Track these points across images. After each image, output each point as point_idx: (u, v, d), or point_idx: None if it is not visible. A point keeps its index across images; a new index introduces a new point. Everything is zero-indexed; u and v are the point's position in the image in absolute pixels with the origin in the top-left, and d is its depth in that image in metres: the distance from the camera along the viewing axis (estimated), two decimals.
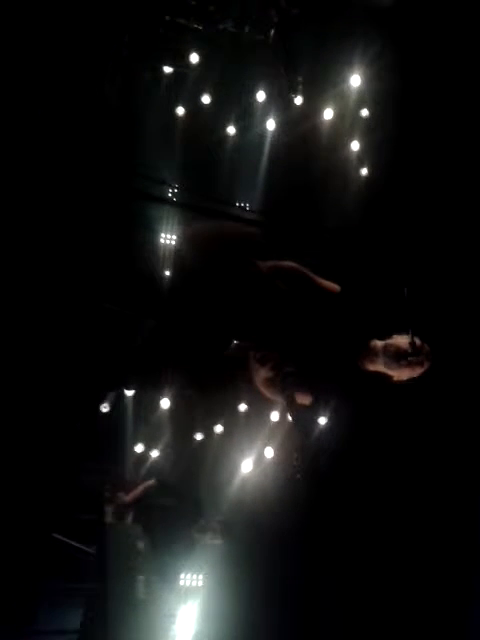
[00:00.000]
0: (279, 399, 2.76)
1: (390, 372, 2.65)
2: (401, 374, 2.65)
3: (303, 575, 4.97)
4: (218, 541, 4.56)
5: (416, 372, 2.63)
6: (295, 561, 4.93)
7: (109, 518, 4.14)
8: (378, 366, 2.67)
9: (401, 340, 2.64)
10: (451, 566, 5.00)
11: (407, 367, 2.62)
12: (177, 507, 4.31)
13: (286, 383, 2.62)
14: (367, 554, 4.94)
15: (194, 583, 4.50)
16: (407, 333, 2.63)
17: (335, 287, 2.73)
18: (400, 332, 2.67)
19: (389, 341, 2.66)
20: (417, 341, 2.59)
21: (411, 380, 2.66)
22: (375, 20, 5.07)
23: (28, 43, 4.25)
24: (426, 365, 2.63)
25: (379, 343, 2.67)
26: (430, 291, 4.70)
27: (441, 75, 5.11)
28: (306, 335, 2.66)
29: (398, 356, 2.60)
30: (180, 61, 5.04)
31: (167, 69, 5.05)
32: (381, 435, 4.88)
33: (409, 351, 2.58)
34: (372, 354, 2.67)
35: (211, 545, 4.55)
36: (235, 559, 4.66)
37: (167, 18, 4.86)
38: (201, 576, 4.52)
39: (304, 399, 2.70)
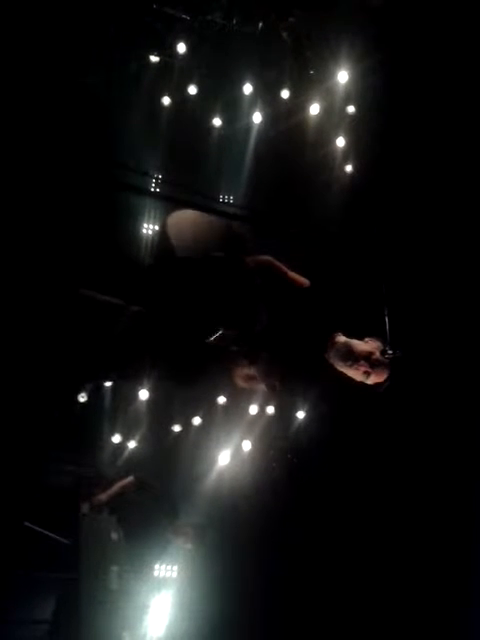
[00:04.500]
0: (257, 389, 2.79)
1: (342, 370, 2.66)
2: (354, 375, 2.65)
3: (279, 567, 5.00)
4: (190, 546, 4.58)
5: (367, 378, 2.63)
6: (271, 553, 4.96)
7: (84, 510, 4.13)
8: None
9: (362, 345, 2.65)
10: (434, 554, 5.06)
11: (352, 370, 2.62)
12: (153, 506, 4.31)
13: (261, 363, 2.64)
14: (345, 547, 4.98)
15: (168, 574, 4.51)
16: (378, 338, 2.65)
17: (305, 282, 2.76)
18: (375, 336, 2.68)
19: (349, 340, 2.68)
20: (377, 352, 2.59)
21: (370, 386, 2.66)
22: (363, 17, 5.07)
23: (12, 30, 4.19)
24: (375, 378, 2.62)
25: (341, 340, 2.69)
26: (410, 288, 4.75)
27: (428, 73, 5.14)
28: (278, 327, 2.69)
29: (345, 357, 2.61)
30: (167, 51, 5.00)
31: (153, 58, 5.02)
32: (359, 428, 4.91)
33: (359, 356, 2.58)
34: (332, 348, 2.69)
35: (183, 549, 4.56)
36: (210, 550, 4.68)
37: (154, 7, 4.82)
38: (175, 567, 4.54)
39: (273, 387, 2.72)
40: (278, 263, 2.73)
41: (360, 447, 4.99)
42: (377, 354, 2.60)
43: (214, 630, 4.52)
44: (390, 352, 2.60)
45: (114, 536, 3.89)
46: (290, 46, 5.01)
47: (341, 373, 2.67)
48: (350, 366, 2.61)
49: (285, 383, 2.71)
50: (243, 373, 2.77)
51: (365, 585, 4.99)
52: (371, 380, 2.63)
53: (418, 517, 5.06)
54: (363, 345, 2.64)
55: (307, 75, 5.22)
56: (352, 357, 2.59)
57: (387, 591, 5.02)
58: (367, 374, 2.60)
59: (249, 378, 2.77)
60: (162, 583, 4.46)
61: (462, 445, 5.12)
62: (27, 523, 3.65)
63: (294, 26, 4.88)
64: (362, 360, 2.58)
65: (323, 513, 4.95)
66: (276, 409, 2.65)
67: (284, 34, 4.90)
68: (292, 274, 2.74)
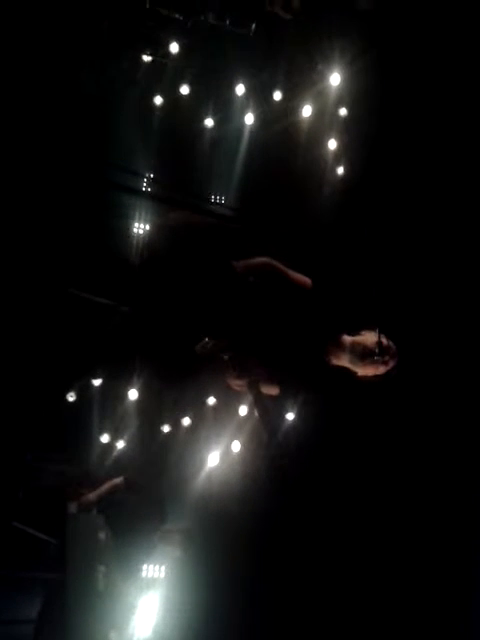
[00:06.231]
0: (248, 393, 2.78)
1: (354, 369, 2.68)
2: (365, 371, 2.67)
3: (268, 568, 5.00)
4: (178, 553, 4.56)
5: (380, 371, 2.66)
6: (260, 554, 4.95)
7: (72, 510, 4.11)
8: (343, 362, 2.70)
9: (369, 338, 2.66)
10: (426, 559, 5.07)
11: (371, 365, 2.64)
12: (142, 508, 4.29)
13: (252, 378, 2.64)
14: (335, 550, 4.98)
15: (156, 574, 4.50)
16: (375, 330, 2.65)
17: (307, 281, 2.75)
18: (369, 328, 2.69)
19: (357, 338, 2.69)
20: (384, 340, 2.61)
21: (375, 378, 2.69)
22: (356, 19, 5.09)
23: (4, 28, 4.18)
24: (391, 365, 2.66)
25: (348, 339, 2.70)
26: (400, 290, 4.77)
27: (421, 76, 5.16)
28: (275, 328, 2.68)
29: (364, 354, 2.63)
30: (159, 51, 5.00)
31: (146, 58, 5.02)
32: (350, 430, 4.92)
33: (375, 350, 2.60)
34: (339, 349, 2.69)
35: (171, 555, 4.54)
36: (198, 551, 4.67)
37: (148, 7, 4.82)
38: (163, 567, 4.53)
39: (272, 390, 2.72)
40: (278, 263, 2.72)
41: (354, 448, 5.00)
42: (385, 340, 2.61)
43: (202, 630, 4.52)
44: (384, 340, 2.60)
45: (102, 536, 3.86)
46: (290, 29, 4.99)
47: (343, 373, 2.67)
48: (369, 362, 2.61)
49: (283, 386, 2.71)
50: (235, 381, 2.76)
51: (356, 586, 4.99)
52: (385, 369, 2.64)
53: (414, 520, 5.06)
54: (370, 338, 2.64)
55: (303, 72, 5.22)
56: (369, 353, 2.60)
57: (380, 593, 5.01)
58: (384, 364, 2.61)
59: (242, 384, 2.76)
60: (150, 583, 4.45)
61: (460, 447, 5.12)
62: (15, 523, 3.64)
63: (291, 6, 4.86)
64: (378, 351, 2.58)
65: (315, 514, 4.95)
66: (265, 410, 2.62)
67: (282, 13, 4.86)
68: (293, 274, 2.73)
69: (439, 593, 5.03)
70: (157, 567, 4.52)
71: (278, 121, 5.36)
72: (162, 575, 4.54)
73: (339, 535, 4.98)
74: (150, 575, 4.48)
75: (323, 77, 5.24)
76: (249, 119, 5.30)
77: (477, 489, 5.10)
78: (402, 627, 4.97)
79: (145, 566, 4.45)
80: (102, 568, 3.73)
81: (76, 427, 4.49)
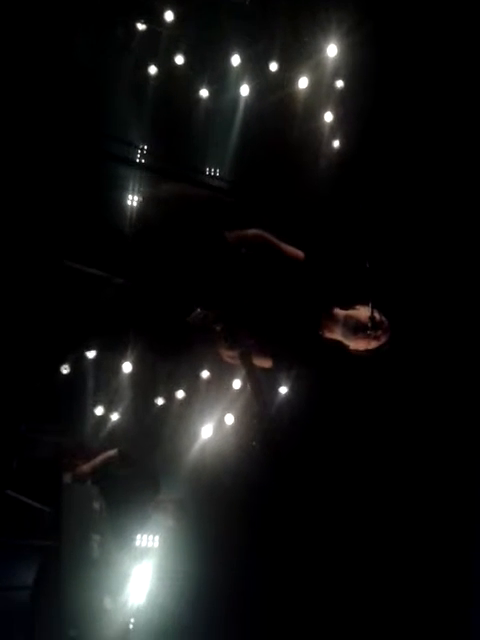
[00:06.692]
0: (240, 365, 2.79)
1: (346, 342, 2.69)
2: (357, 345, 2.69)
3: (259, 539, 5.07)
4: (171, 522, 4.61)
5: (372, 345, 2.68)
6: (251, 525, 5.02)
7: (67, 480, 4.15)
8: (335, 335, 2.71)
9: (362, 312, 2.67)
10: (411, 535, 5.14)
11: (363, 339, 2.66)
12: (136, 480, 4.33)
13: (244, 350, 2.65)
14: (326, 521, 5.04)
15: (149, 544, 4.57)
16: (368, 304, 2.66)
17: (300, 254, 2.75)
18: (362, 301, 2.70)
19: (350, 312, 2.70)
20: (377, 315, 2.63)
21: (367, 352, 2.71)
22: None
23: None
24: (383, 339, 2.67)
25: (341, 312, 2.71)
26: (394, 264, 4.77)
27: (418, 48, 5.10)
28: (268, 301, 2.69)
29: (357, 329, 2.64)
30: (154, 19, 4.92)
31: (140, 26, 4.94)
32: (343, 404, 4.96)
33: (368, 324, 2.61)
34: (332, 323, 2.71)
35: (164, 525, 4.59)
36: (191, 521, 4.74)
37: None
38: (157, 537, 4.59)
39: (264, 362, 2.74)
40: (270, 236, 2.71)
41: (346, 421, 5.04)
42: (377, 315, 2.62)
43: (194, 598, 4.60)
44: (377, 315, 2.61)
45: (96, 506, 3.91)
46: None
47: (335, 347, 2.69)
48: (362, 336, 2.63)
49: (275, 358, 2.73)
50: (227, 352, 2.77)
51: (348, 557, 5.07)
52: (377, 343, 2.65)
53: (406, 492, 5.12)
54: (363, 312, 2.66)
55: (300, 43, 5.15)
56: (362, 327, 2.61)
57: (372, 565, 5.08)
58: (376, 339, 2.63)
59: (234, 356, 2.77)
60: (144, 552, 4.52)
61: (452, 420, 5.16)
62: (9, 491, 3.67)
63: None
64: (371, 326, 2.59)
65: (307, 487, 5.01)
66: (252, 386, 2.62)
67: None
68: (286, 247, 2.73)
69: (430, 556, 5.11)
70: (151, 536, 4.59)
71: (274, 92, 5.30)
72: (156, 544, 4.61)
73: (331, 507, 5.05)
74: (144, 544, 4.55)
75: (319, 48, 5.17)
76: (245, 90, 5.24)
77: (470, 458, 5.16)
78: (394, 597, 5.06)
79: (139, 536, 4.51)
80: (97, 537, 3.78)
81: (70, 399, 4.50)
